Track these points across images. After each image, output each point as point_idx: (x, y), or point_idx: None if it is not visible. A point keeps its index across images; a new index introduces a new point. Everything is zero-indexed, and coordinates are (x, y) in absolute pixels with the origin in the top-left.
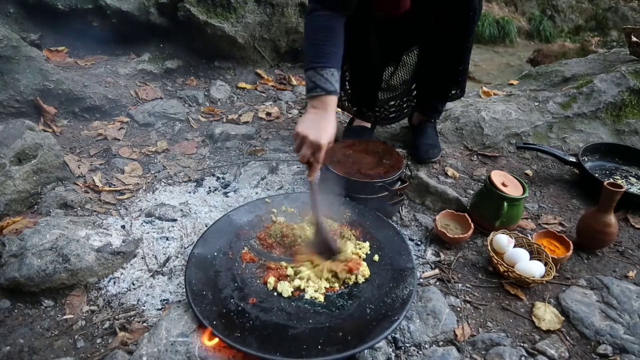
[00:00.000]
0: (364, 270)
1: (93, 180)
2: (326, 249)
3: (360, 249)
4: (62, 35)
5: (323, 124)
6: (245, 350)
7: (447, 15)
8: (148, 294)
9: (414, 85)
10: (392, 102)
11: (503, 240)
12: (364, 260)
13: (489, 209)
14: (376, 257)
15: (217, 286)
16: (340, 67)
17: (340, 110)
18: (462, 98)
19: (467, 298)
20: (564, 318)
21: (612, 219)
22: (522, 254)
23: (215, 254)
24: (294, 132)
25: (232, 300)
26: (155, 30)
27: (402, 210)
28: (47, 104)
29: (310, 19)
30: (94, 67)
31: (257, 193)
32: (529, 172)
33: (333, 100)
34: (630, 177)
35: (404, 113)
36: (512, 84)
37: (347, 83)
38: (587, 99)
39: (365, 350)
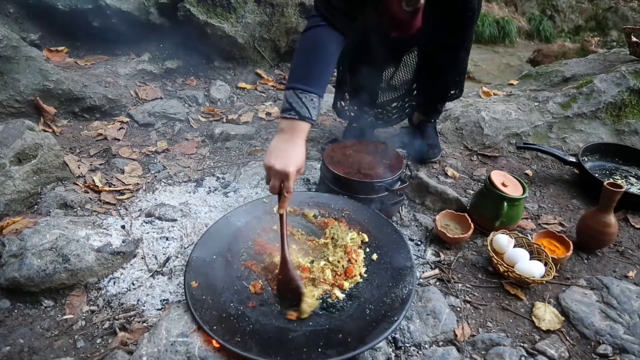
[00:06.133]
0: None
1: (93, 180)
2: (290, 290)
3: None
4: (62, 35)
5: (290, 151)
6: (246, 354)
7: (445, 16)
8: (148, 294)
9: (414, 85)
10: (395, 104)
11: (503, 240)
12: (362, 250)
13: (489, 209)
14: (375, 256)
15: (216, 290)
16: (323, 93)
17: (340, 120)
18: (462, 98)
19: (467, 298)
20: (563, 318)
21: (612, 219)
22: (522, 254)
23: (214, 257)
24: (264, 163)
25: (231, 304)
26: (155, 30)
27: (402, 210)
28: (47, 104)
29: (308, 32)
30: (94, 67)
31: (256, 193)
32: (529, 172)
33: (305, 127)
34: (630, 177)
35: (406, 113)
36: (512, 84)
37: (346, 87)
38: (587, 99)
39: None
